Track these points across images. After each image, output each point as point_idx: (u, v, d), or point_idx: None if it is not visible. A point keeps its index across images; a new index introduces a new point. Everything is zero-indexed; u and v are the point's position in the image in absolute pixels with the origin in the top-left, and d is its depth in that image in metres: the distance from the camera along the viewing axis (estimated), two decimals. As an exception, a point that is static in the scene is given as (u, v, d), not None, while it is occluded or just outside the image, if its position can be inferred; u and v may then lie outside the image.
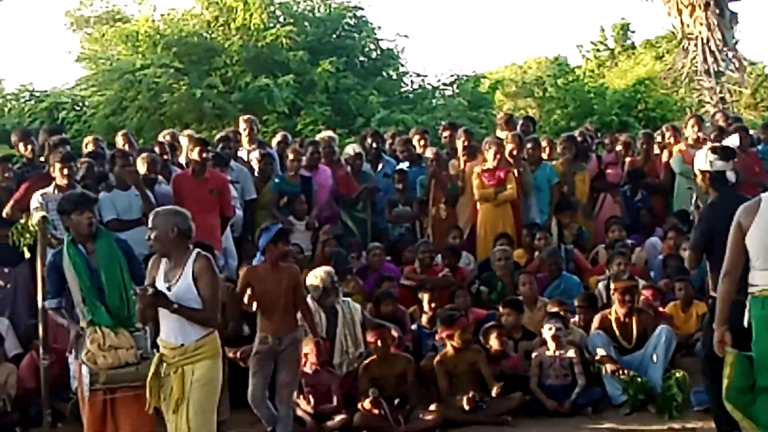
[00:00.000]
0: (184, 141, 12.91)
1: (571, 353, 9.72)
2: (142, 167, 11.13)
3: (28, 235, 9.07)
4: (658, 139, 13.68)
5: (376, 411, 9.21)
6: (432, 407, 9.44)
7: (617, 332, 9.90)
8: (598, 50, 37.93)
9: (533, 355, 9.84)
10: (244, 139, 13.22)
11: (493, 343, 9.81)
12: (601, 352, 9.72)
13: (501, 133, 13.61)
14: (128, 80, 21.63)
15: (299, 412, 9.27)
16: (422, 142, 13.55)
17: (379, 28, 24.55)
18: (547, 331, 9.76)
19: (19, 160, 12.20)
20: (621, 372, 9.58)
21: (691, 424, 9.08)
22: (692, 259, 8.08)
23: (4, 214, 10.54)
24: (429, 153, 12.81)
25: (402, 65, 25.08)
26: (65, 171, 10.39)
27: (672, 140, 13.33)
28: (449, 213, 12.55)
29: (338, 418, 9.31)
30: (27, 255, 9.34)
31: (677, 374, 9.50)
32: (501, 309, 10.40)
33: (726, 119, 15.01)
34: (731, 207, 7.69)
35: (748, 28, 68.35)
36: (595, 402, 9.64)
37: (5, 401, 9.54)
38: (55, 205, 10.27)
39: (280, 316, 8.62)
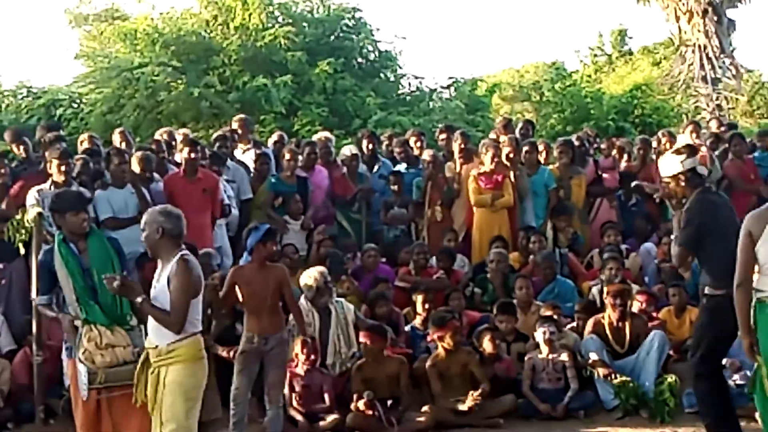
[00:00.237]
0: (180, 139, 12.91)
1: (564, 357, 9.74)
2: (136, 166, 11.14)
3: (23, 231, 9.05)
4: (654, 144, 13.70)
5: (369, 412, 9.23)
6: (425, 408, 9.45)
7: (610, 337, 9.92)
8: (595, 55, 38.08)
9: (526, 358, 9.86)
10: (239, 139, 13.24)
11: (487, 345, 9.84)
12: (593, 356, 9.74)
13: (494, 136, 13.66)
14: (126, 78, 21.62)
15: (291, 412, 9.30)
16: (418, 144, 13.58)
17: (378, 29, 24.58)
18: (541, 335, 9.78)
19: (15, 157, 12.21)
20: (613, 376, 9.60)
21: (683, 428, 9.10)
22: (683, 255, 8.08)
23: (-1, 210, 10.55)
24: (426, 155, 12.83)
25: (400, 67, 25.08)
26: (63, 168, 10.39)
27: (668, 146, 13.31)
28: (445, 215, 12.57)
29: (330, 418, 9.32)
30: (22, 251, 9.31)
31: (670, 379, 9.52)
32: (495, 312, 10.41)
33: (720, 125, 15.06)
34: (715, 202, 7.96)
35: (745, 36, 68.47)
36: (588, 406, 9.66)
37: (-2, 397, 9.55)
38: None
39: (267, 317, 8.60)
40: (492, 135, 14.01)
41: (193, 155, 11.32)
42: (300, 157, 12.63)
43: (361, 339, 9.66)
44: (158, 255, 6.74)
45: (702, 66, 27.69)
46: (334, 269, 10.75)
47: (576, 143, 13.37)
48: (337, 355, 9.86)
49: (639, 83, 27.82)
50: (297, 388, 9.37)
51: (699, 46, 27.72)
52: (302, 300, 9.89)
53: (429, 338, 9.91)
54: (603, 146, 14.26)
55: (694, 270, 11.17)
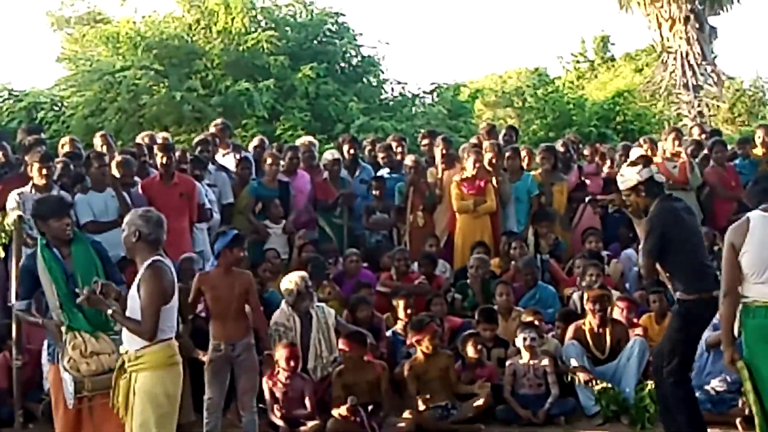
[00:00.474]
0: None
1: (545, 363, 9.74)
2: (116, 170, 11.10)
3: (3, 235, 9.02)
4: (635, 151, 13.73)
5: (353, 418, 9.21)
6: (406, 413, 9.45)
7: (591, 343, 9.94)
8: (578, 62, 38.14)
9: (507, 364, 9.86)
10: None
11: (470, 351, 9.83)
12: (574, 362, 9.75)
13: (475, 141, 13.68)
14: (108, 81, 21.56)
15: (272, 418, 9.28)
16: (399, 149, 13.58)
17: (361, 34, 24.58)
18: (522, 341, 9.78)
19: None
20: (594, 382, 9.60)
21: (663, 435, 9.11)
22: (649, 265, 8.16)
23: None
24: (408, 161, 12.83)
25: (382, 72, 25.08)
26: (44, 171, 10.37)
27: (649, 153, 13.38)
28: (427, 221, 12.57)
29: (311, 423, 9.30)
30: (2, 254, 9.27)
31: (650, 386, 9.50)
32: (476, 319, 10.41)
33: (703, 132, 15.11)
34: (676, 208, 8.10)
35: (726, 44, 68.81)
36: (568, 412, 9.66)
37: (-23, 401, 9.50)
38: (32, 204, 10.31)
39: (232, 323, 8.56)
40: (473, 140, 14.02)
41: (166, 160, 11.31)
42: (282, 162, 12.62)
43: (341, 346, 9.64)
44: (134, 258, 6.71)
45: (684, 73, 27.83)
46: (315, 274, 10.74)
47: (561, 149, 13.39)
48: (318, 359, 9.83)
49: (621, 90, 27.90)
50: (278, 394, 9.35)
51: (681, 53, 27.85)
52: (283, 304, 9.87)
53: (408, 341, 9.91)
54: (586, 152, 14.29)
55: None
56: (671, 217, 8.03)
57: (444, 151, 12.77)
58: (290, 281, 9.84)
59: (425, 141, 13.65)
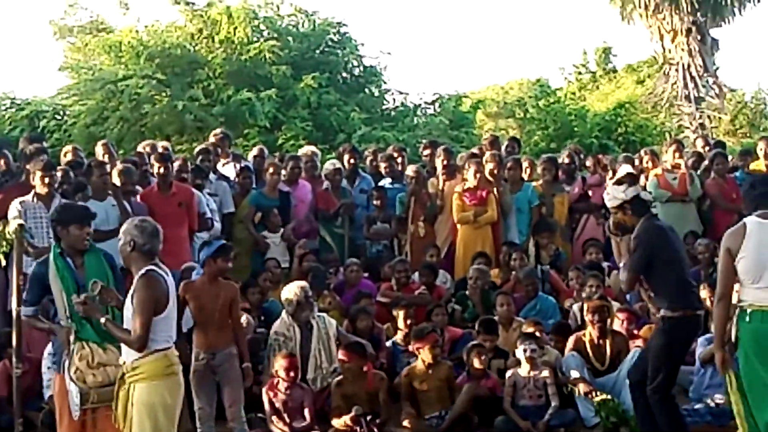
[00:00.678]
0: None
1: (545, 374, 9.72)
2: (116, 178, 11.10)
3: (4, 243, 9.00)
4: (636, 162, 13.73)
5: (356, 428, 9.19)
6: (405, 423, 9.44)
7: (591, 354, 9.92)
8: (579, 73, 38.17)
9: (507, 375, 9.83)
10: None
11: (475, 362, 9.77)
12: (574, 373, 9.73)
13: (476, 152, 13.70)
14: (110, 90, 21.62)
15: (272, 428, 9.27)
16: (399, 160, 13.59)
17: (363, 45, 24.66)
18: (522, 352, 9.76)
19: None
20: (594, 394, 9.58)
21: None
22: (632, 280, 8.30)
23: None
24: (409, 171, 12.83)
25: (384, 82, 25.16)
26: (46, 180, 10.38)
27: (650, 164, 13.40)
28: (427, 231, 12.57)
29: (311, 434, 9.30)
30: (3, 263, 9.27)
31: (650, 397, 9.52)
32: (477, 330, 10.38)
33: (707, 144, 15.10)
34: (662, 227, 8.27)
35: (728, 56, 68.82)
36: (568, 423, 9.63)
37: (-24, 409, 9.48)
38: (34, 213, 10.33)
39: (214, 332, 8.58)
40: (475, 150, 14.03)
41: (164, 170, 11.29)
42: (284, 172, 12.63)
43: (340, 356, 9.63)
44: (129, 267, 6.74)
45: (685, 85, 27.79)
46: (316, 284, 10.74)
47: (566, 160, 13.41)
48: (318, 370, 9.81)
49: (622, 101, 27.95)
50: (277, 404, 9.33)
51: (682, 65, 27.82)
52: (283, 314, 9.87)
53: (412, 348, 9.89)
54: (588, 163, 14.29)
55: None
56: (658, 235, 8.16)
57: (445, 162, 12.77)
58: (290, 291, 9.84)
59: (427, 151, 13.67)
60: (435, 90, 25.18)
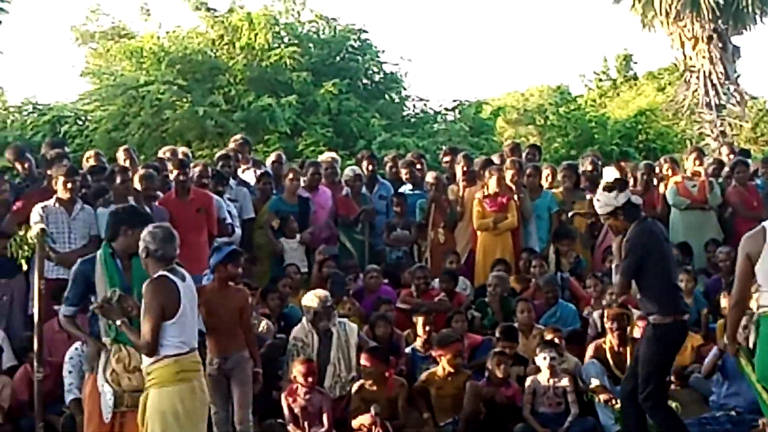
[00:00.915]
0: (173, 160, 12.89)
1: (564, 382, 9.70)
2: (138, 183, 11.14)
3: (26, 248, 9.03)
4: (656, 170, 13.70)
5: (375, 429, 9.19)
6: (425, 429, 9.43)
7: (611, 362, 9.91)
8: (600, 80, 38.11)
9: (527, 382, 9.82)
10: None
11: (496, 371, 9.73)
12: (594, 381, 9.71)
13: (497, 159, 13.70)
14: (131, 96, 21.70)
15: (291, 434, 9.30)
16: (418, 167, 13.60)
17: (383, 51, 24.67)
18: (542, 360, 9.74)
19: (15, 173, 12.24)
20: (614, 401, 9.55)
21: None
22: (624, 285, 8.35)
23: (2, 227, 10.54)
24: (429, 177, 12.85)
25: (405, 89, 25.16)
26: (68, 185, 10.43)
27: (669, 172, 13.38)
28: (447, 238, 12.58)
29: (329, 439, 9.30)
30: (25, 267, 9.32)
31: (671, 405, 9.49)
32: (498, 337, 10.36)
33: (732, 152, 15.03)
34: (654, 231, 8.31)
35: (750, 63, 68.60)
36: (588, 431, 9.62)
37: (-2, 413, 9.53)
38: (56, 218, 10.39)
39: (225, 337, 8.62)
40: (495, 158, 14.02)
41: (182, 177, 11.31)
42: (302, 178, 12.65)
43: (362, 361, 9.62)
44: (147, 272, 6.77)
45: (706, 92, 27.67)
46: (335, 290, 10.75)
47: (589, 167, 13.39)
48: (336, 378, 9.81)
49: (643, 108, 27.88)
50: (296, 410, 9.34)
51: (704, 73, 27.70)
52: (304, 320, 9.89)
53: (435, 354, 9.87)
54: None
55: (696, 296, 11.21)
56: (650, 239, 8.21)
57: (465, 168, 12.79)
58: (310, 300, 9.84)
59: (447, 158, 13.70)
60: (455, 96, 25.23)
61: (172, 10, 43.68)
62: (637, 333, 10.24)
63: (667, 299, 8.13)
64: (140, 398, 6.71)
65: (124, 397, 7.07)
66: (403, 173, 13.41)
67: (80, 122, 22.44)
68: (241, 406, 8.64)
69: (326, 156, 14.14)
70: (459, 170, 12.84)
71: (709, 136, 27.29)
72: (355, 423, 9.35)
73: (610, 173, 8.86)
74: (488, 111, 27.10)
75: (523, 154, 14.13)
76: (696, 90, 27.97)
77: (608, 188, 8.36)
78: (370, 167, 13.43)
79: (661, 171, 13.54)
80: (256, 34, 22.72)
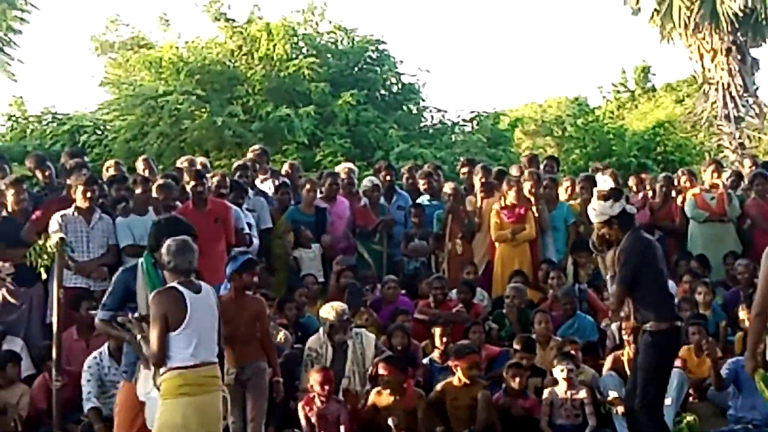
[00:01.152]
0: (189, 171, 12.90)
1: (582, 393, 9.68)
2: (157, 193, 11.17)
3: (45, 257, 9.08)
4: (675, 182, 13.68)
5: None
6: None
7: (629, 374, 9.86)
8: (618, 92, 38.07)
9: (545, 394, 9.79)
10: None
11: (512, 383, 9.71)
12: (612, 393, 9.68)
13: (515, 171, 13.70)
14: (150, 106, 21.78)
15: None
16: (435, 177, 13.60)
17: (401, 62, 24.71)
18: (560, 372, 9.72)
19: (35, 182, 12.30)
20: (632, 414, 9.53)
21: (700, 468, 9.07)
22: (621, 294, 8.36)
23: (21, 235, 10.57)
24: (447, 188, 12.85)
25: (423, 100, 25.20)
26: (88, 194, 10.48)
27: (688, 184, 13.36)
28: (465, 248, 12.57)
29: (346, 448, 9.29)
30: (44, 276, 9.36)
31: (688, 418, 9.48)
32: (516, 348, 10.33)
33: (754, 164, 14.97)
34: (649, 240, 8.45)
35: (768, 75, 68.44)
36: (605, 443, 9.61)
37: (17, 422, 9.52)
38: (75, 227, 10.43)
39: (241, 346, 8.59)
40: (514, 170, 14.01)
41: (199, 188, 11.27)
42: (320, 189, 12.67)
43: (380, 370, 9.58)
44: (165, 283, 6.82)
45: (725, 104, 27.63)
46: (353, 301, 10.75)
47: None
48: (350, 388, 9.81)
49: (662, 120, 27.81)
50: (313, 419, 9.33)
51: (722, 85, 27.67)
52: (320, 330, 9.89)
53: (450, 364, 9.85)
54: (630, 183, 14.22)
55: (715, 309, 11.18)
56: (645, 248, 8.28)
57: (483, 180, 12.79)
58: (327, 312, 9.83)
59: (464, 169, 13.70)
60: (473, 108, 25.23)
61: (192, 21, 44.00)
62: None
63: (663, 306, 8.22)
64: None
65: None
66: (421, 184, 13.41)
67: (99, 132, 22.56)
68: (254, 417, 8.61)
69: (343, 167, 14.15)
70: (477, 181, 12.85)
71: (727, 148, 27.24)
72: None
73: (604, 182, 8.82)
74: (506, 122, 27.11)
75: (541, 166, 14.12)
76: (715, 102, 27.94)
77: (604, 197, 8.38)
78: (389, 178, 13.45)
79: (679, 183, 13.52)
80: (274, 45, 22.79)
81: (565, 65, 73.45)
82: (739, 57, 27.60)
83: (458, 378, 9.66)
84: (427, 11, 78.70)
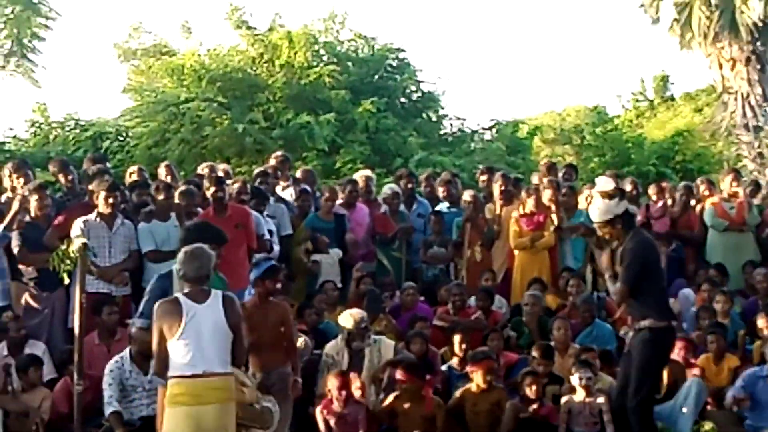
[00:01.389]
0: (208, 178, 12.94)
1: (600, 401, 9.68)
2: (179, 199, 11.22)
3: (68, 261, 9.14)
4: (694, 191, 13.67)
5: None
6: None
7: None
8: (637, 101, 37.99)
9: (562, 401, 9.81)
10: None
11: (527, 390, 9.74)
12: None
13: (535, 179, 13.72)
14: (172, 113, 21.90)
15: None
16: (453, 185, 13.62)
17: (421, 70, 24.79)
18: (578, 380, 9.73)
19: (57, 187, 12.38)
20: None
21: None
22: (626, 292, 8.40)
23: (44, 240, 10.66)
24: (466, 196, 12.89)
25: (442, 108, 25.27)
26: (110, 200, 10.54)
27: (707, 193, 13.35)
28: (484, 256, 12.60)
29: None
30: (66, 281, 9.43)
31: (707, 426, 9.49)
32: (534, 355, 10.35)
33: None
34: (652, 241, 8.60)
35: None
36: (623, 451, 9.60)
37: (38, 425, 9.55)
38: (97, 232, 10.50)
39: (267, 352, 8.59)
40: (534, 179, 14.03)
41: (219, 194, 11.27)
42: (339, 196, 12.72)
43: (398, 376, 9.62)
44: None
45: (744, 114, 27.53)
46: (372, 307, 10.80)
47: (629, 187, 13.36)
48: (365, 400, 9.83)
49: (680, 129, 27.80)
50: (331, 422, 9.37)
51: (741, 94, 27.58)
52: (339, 337, 9.95)
53: (468, 370, 9.88)
54: (651, 191, 14.22)
55: (733, 317, 11.18)
56: (649, 247, 8.40)
57: (502, 188, 12.81)
58: (346, 319, 9.88)
59: (483, 177, 13.72)
60: (492, 116, 25.30)
61: (213, 28, 44.08)
62: (674, 354, 10.22)
63: (663, 304, 8.41)
64: None
65: None
66: (440, 191, 13.45)
67: (121, 138, 22.70)
68: (278, 422, 8.67)
69: (361, 174, 14.17)
70: (496, 189, 12.87)
71: (746, 157, 27.15)
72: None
73: (606, 182, 8.84)
74: (525, 130, 27.13)
75: (560, 174, 14.13)
76: (733, 111, 27.84)
77: (609, 195, 8.43)
78: (409, 185, 13.49)
79: (698, 192, 13.51)
80: (295, 53, 22.89)
81: (584, 74, 73.17)
82: (758, 66, 27.51)
83: (476, 384, 9.69)
84: (447, 20, 78.58)
